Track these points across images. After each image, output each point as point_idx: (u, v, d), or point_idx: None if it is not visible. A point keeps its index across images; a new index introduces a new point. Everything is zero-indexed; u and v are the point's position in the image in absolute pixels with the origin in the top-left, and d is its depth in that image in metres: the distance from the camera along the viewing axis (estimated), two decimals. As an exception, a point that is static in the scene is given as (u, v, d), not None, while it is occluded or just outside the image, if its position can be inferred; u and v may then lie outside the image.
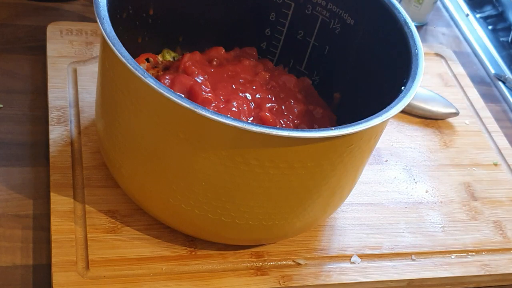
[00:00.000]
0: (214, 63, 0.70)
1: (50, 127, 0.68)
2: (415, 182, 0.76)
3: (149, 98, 0.52)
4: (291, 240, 0.65)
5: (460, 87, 0.91)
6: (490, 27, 1.08)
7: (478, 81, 0.97)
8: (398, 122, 0.83)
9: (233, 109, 0.63)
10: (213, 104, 0.63)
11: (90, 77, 0.74)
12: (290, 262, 0.64)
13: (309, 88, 0.73)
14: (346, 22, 0.68)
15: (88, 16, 0.85)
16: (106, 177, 0.65)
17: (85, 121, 0.70)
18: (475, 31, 1.06)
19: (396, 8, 0.63)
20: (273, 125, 0.63)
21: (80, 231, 0.61)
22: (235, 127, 0.48)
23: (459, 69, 0.94)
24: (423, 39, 1.01)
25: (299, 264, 0.64)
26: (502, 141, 0.85)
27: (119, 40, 0.52)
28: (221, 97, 0.64)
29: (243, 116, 0.63)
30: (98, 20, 0.53)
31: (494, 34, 1.06)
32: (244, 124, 0.49)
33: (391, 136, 0.81)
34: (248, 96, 0.66)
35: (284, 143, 0.51)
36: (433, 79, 0.91)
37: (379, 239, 0.68)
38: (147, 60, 0.70)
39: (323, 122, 0.68)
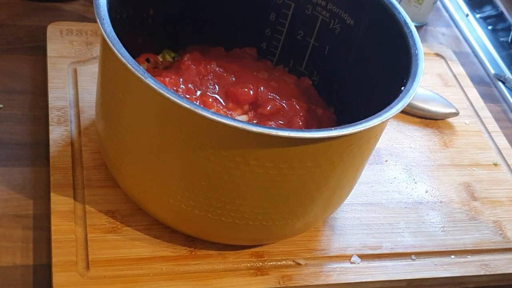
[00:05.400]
0: (214, 63, 0.70)
1: (50, 127, 0.68)
2: (415, 182, 0.76)
3: (149, 98, 0.52)
4: (291, 240, 0.65)
5: (460, 87, 0.91)
6: (490, 27, 1.08)
7: (478, 81, 0.97)
8: (398, 122, 0.83)
9: (233, 109, 0.63)
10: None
11: (90, 77, 0.74)
12: (290, 262, 0.64)
13: (309, 88, 0.73)
14: (346, 22, 0.68)
15: (88, 16, 0.85)
16: (106, 177, 0.65)
17: (85, 121, 0.70)
18: (475, 31, 1.06)
19: (396, 8, 0.63)
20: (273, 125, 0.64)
21: (80, 231, 0.61)
22: (235, 127, 0.48)
23: (459, 69, 0.94)
24: (423, 39, 1.01)
25: (299, 264, 0.64)
26: (502, 141, 0.85)
27: (119, 40, 0.52)
28: (221, 97, 0.65)
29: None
30: (98, 20, 0.53)
31: (494, 34, 1.06)
32: (244, 124, 0.49)
33: (391, 136, 0.81)
34: (248, 96, 0.66)
35: (284, 143, 0.51)
36: (433, 79, 0.91)
37: (379, 239, 0.68)
38: (147, 60, 0.70)
39: (323, 122, 0.68)
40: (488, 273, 0.68)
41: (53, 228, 0.60)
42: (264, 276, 0.62)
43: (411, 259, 0.68)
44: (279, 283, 0.62)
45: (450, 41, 1.03)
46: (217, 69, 0.68)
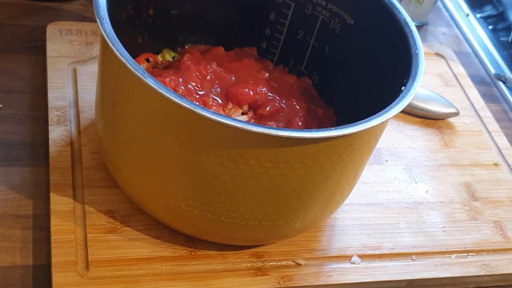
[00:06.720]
0: (214, 63, 0.70)
1: (50, 127, 0.68)
2: (415, 182, 0.76)
3: (149, 98, 0.52)
4: (291, 240, 0.65)
5: (460, 87, 0.91)
6: (490, 27, 1.08)
7: (478, 81, 0.97)
8: (398, 122, 0.83)
9: (233, 109, 0.63)
10: (213, 104, 0.63)
11: (90, 77, 0.74)
12: (290, 263, 0.64)
13: (309, 88, 0.73)
14: (346, 22, 0.68)
15: (88, 16, 0.85)
16: (106, 177, 0.65)
17: (85, 121, 0.70)
18: (475, 31, 1.06)
19: (396, 8, 0.63)
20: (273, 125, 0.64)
21: (79, 231, 0.61)
22: (235, 127, 0.48)
23: (460, 69, 0.94)
24: (423, 39, 1.00)
25: (299, 264, 0.64)
26: (502, 141, 0.84)
27: (119, 40, 0.52)
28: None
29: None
30: (98, 20, 0.53)
31: (494, 34, 1.06)
32: (244, 124, 0.49)
33: (391, 136, 0.81)
34: (248, 96, 0.66)
35: (284, 143, 0.51)
36: (433, 79, 0.91)
37: (379, 239, 0.68)
38: (147, 60, 0.70)
39: (323, 122, 0.68)
40: (488, 273, 0.68)
41: (52, 228, 0.60)
42: (264, 276, 0.62)
43: (412, 259, 0.68)
44: (279, 284, 0.62)
45: (450, 41, 1.03)
46: (217, 69, 0.68)
